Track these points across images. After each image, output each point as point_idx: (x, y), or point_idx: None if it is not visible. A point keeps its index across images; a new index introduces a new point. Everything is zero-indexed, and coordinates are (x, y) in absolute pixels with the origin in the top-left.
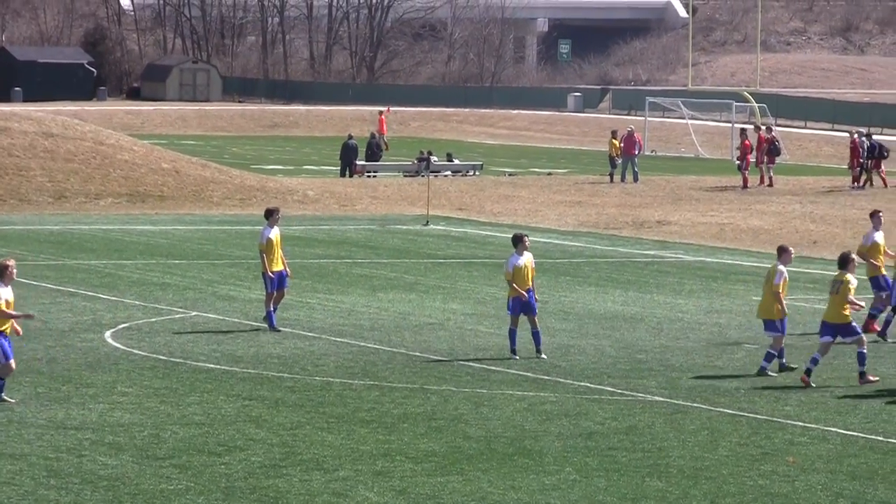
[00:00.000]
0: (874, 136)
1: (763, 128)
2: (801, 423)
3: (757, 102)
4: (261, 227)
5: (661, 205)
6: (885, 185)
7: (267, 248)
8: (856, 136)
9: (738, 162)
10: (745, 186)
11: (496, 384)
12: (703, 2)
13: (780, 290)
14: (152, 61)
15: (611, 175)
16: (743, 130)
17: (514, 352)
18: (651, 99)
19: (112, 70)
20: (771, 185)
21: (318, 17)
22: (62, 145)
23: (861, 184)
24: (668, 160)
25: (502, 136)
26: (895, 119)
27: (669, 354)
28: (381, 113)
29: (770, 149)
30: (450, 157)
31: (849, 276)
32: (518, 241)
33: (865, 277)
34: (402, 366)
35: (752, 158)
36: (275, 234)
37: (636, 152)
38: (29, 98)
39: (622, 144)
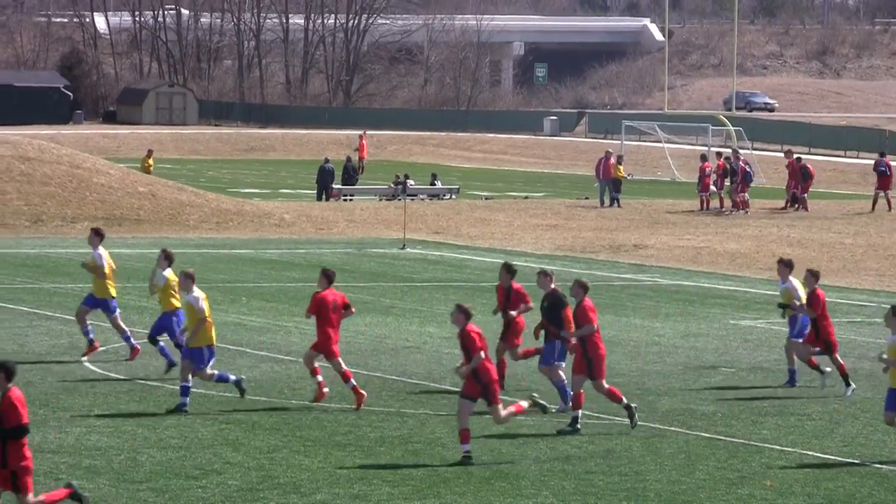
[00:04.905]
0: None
1: (723, 155)
2: (778, 447)
3: (733, 126)
4: (239, 250)
5: (637, 228)
6: (739, 208)
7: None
8: (732, 160)
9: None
10: (721, 207)
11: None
12: (679, 25)
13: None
14: (128, 85)
15: (612, 199)
16: (703, 156)
17: None
18: (627, 122)
19: (88, 94)
20: (721, 206)
21: (294, 41)
22: (38, 169)
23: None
24: (644, 184)
25: (478, 159)
26: (871, 143)
27: (646, 378)
28: (360, 136)
29: (723, 174)
30: (434, 179)
31: None
32: None
33: None
34: (379, 389)
35: (710, 182)
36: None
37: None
38: (5, 122)
39: (601, 167)
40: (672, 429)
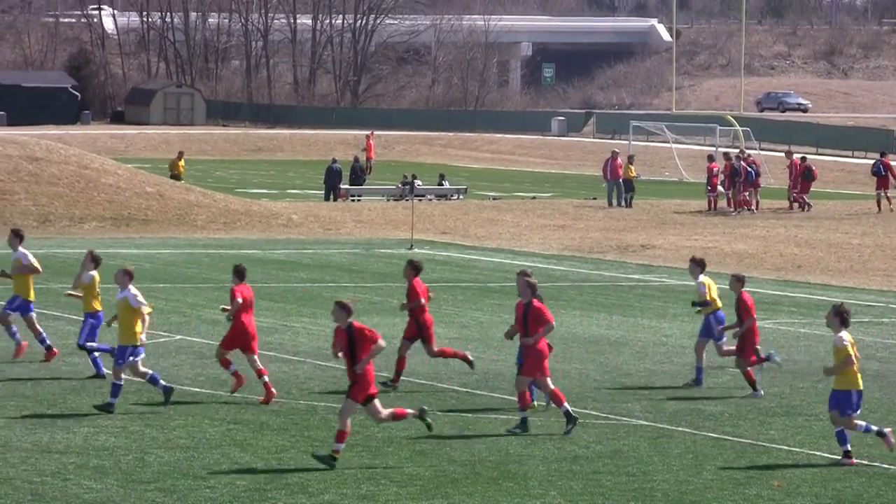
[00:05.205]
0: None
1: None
2: (785, 447)
3: (741, 126)
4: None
5: (645, 228)
6: (749, 209)
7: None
8: (734, 160)
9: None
10: (730, 206)
11: (480, 408)
12: (686, 26)
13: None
14: (136, 85)
15: (627, 199)
16: (710, 156)
17: None
18: (635, 123)
19: (96, 94)
20: (729, 205)
21: (302, 42)
22: (46, 169)
23: (733, 206)
24: (652, 184)
25: (486, 159)
26: (878, 143)
27: (654, 378)
28: (368, 137)
29: (730, 174)
30: (441, 179)
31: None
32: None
33: None
34: (387, 390)
35: (717, 182)
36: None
37: (622, 175)
38: (13, 122)
39: (608, 168)
40: (679, 429)
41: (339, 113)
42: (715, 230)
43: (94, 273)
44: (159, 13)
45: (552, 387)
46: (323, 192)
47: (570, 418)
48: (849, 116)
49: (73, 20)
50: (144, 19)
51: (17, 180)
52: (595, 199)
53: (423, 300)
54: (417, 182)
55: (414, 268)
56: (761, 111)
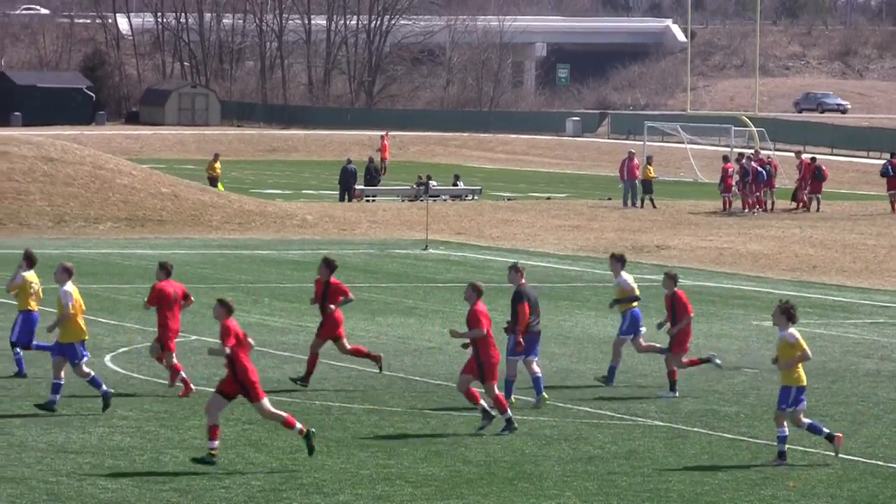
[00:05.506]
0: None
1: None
2: (801, 448)
3: (755, 127)
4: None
5: (660, 229)
6: (762, 209)
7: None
8: (744, 160)
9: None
10: (743, 208)
11: (496, 408)
12: (701, 26)
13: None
14: (151, 86)
15: (643, 200)
16: (725, 157)
17: None
18: (650, 123)
19: (111, 94)
20: (744, 207)
21: (317, 42)
22: (61, 169)
23: (750, 207)
24: (666, 184)
25: (501, 160)
26: (894, 143)
27: None
28: (382, 137)
29: (744, 174)
30: (456, 179)
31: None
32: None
33: None
34: (402, 390)
35: (732, 183)
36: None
37: (638, 176)
38: (28, 122)
39: (624, 169)
40: (695, 430)
41: (354, 113)
42: (730, 231)
43: (26, 274)
44: (174, 14)
45: (471, 389)
46: (338, 192)
47: (486, 414)
48: (864, 117)
49: (88, 21)
50: (159, 20)
51: (32, 181)
52: (610, 199)
53: (351, 297)
54: (432, 182)
55: (330, 266)
56: (800, 111)
